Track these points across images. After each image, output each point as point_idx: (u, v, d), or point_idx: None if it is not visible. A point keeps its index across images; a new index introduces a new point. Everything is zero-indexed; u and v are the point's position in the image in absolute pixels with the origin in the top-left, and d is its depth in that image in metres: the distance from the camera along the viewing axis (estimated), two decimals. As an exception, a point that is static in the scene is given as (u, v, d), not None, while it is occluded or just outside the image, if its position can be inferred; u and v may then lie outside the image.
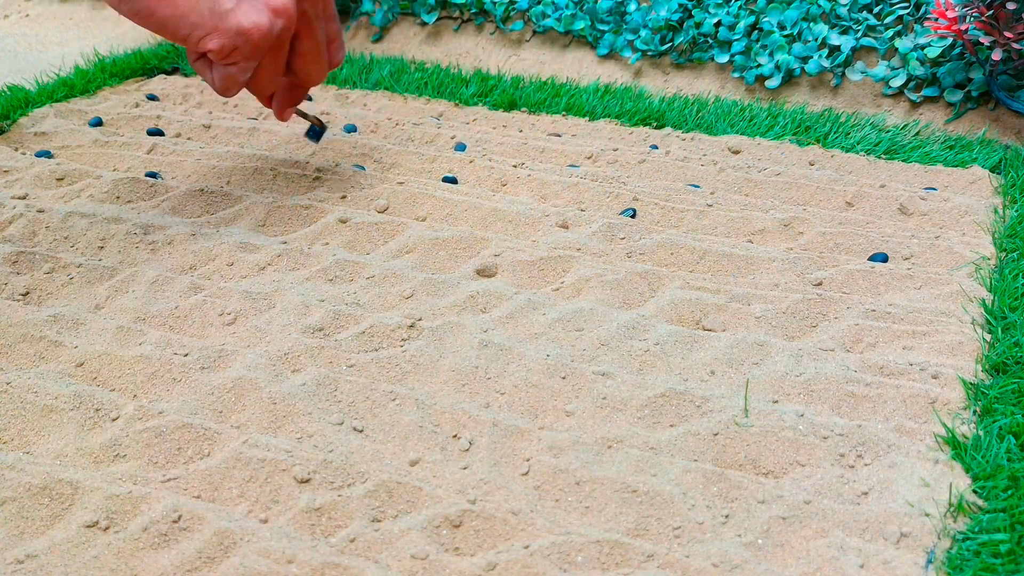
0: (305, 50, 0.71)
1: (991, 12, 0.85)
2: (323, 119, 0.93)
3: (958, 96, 0.93)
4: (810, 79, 1.00)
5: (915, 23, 0.97)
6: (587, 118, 0.96)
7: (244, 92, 1.04)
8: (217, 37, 0.65)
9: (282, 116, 0.77)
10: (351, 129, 0.93)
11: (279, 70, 0.71)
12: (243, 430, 0.55)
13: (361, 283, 0.68)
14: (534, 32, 1.13)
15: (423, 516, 0.48)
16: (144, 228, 0.75)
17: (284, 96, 0.76)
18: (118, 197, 0.80)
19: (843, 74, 0.99)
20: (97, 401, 0.56)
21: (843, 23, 1.00)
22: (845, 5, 1.00)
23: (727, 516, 0.49)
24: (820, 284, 0.67)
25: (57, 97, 1.00)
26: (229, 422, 0.56)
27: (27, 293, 0.68)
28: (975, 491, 0.49)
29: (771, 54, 1.01)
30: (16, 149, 0.90)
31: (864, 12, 0.99)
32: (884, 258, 0.69)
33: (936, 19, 0.89)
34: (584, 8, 1.10)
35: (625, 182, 0.81)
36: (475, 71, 1.07)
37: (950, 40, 0.92)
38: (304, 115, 0.81)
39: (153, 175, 0.82)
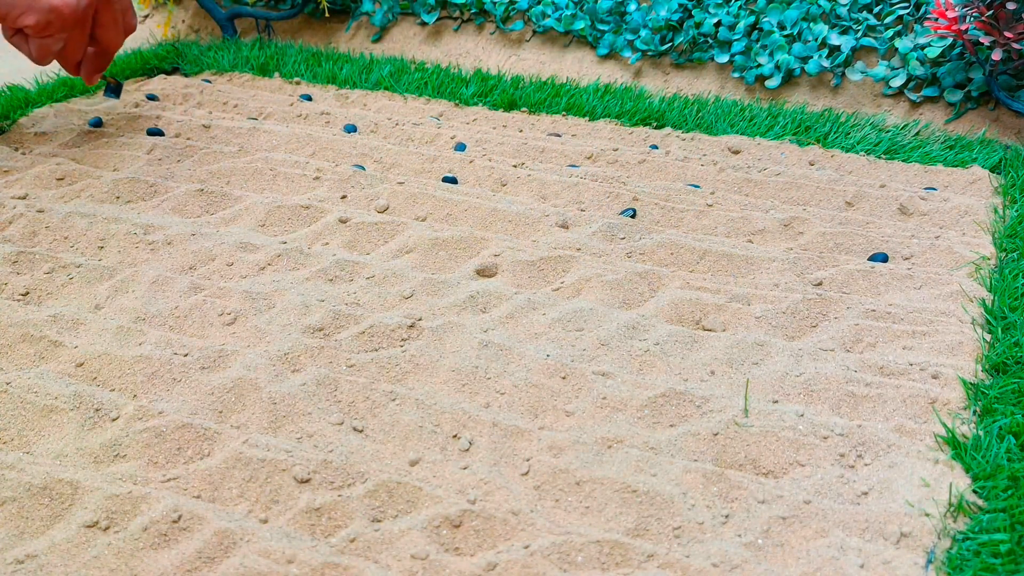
0: (105, 21, 0.83)
1: (991, 12, 0.85)
2: (325, 120, 0.93)
3: (958, 96, 0.93)
4: (810, 79, 1.00)
5: (915, 23, 0.97)
6: (587, 118, 0.96)
7: (253, 100, 1.04)
8: (33, 14, 0.77)
9: (90, 81, 0.87)
10: (351, 129, 0.93)
11: (85, 40, 0.83)
12: (243, 430, 0.55)
13: (361, 283, 0.68)
14: (534, 32, 1.13)
15: (423, 516, 0.48)
16: (144, 228, 0.75)
17: (90, 64, 0.86)
18: (118, 197, 0.80)
19: (843, 74, 0.99)
20: (97, 401, 0.56)
21: (843, 23, 1.00)
22: (845, 5, 1.00)
23: (727, 516, 0.49)
24: (820, 284, 0.67)
25: (57, 97, 1.00)
26: (229, 422, 0.56)
27: (27, 293, 0.68)
28: (975, 491, 0.49)
29: (771, 54, 1.01)
30: (16, 149, 0.90)
31: (864, 12, 0.99)
32: (884, 258, 0.69)
33: (936, 19, 0.89)
34: (584, 8, 1.10)
35: (625, 182, 0.81)
36: (475, 71, 1.07)
37: (950, 40, 0.92)
38: (104, 77, 0.96)
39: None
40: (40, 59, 0.81)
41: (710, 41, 1.04)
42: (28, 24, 0.77)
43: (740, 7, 1.03)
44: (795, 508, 0.48)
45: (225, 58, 1.11)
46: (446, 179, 0.82)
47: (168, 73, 1.12)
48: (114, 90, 0.96)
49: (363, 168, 0.84)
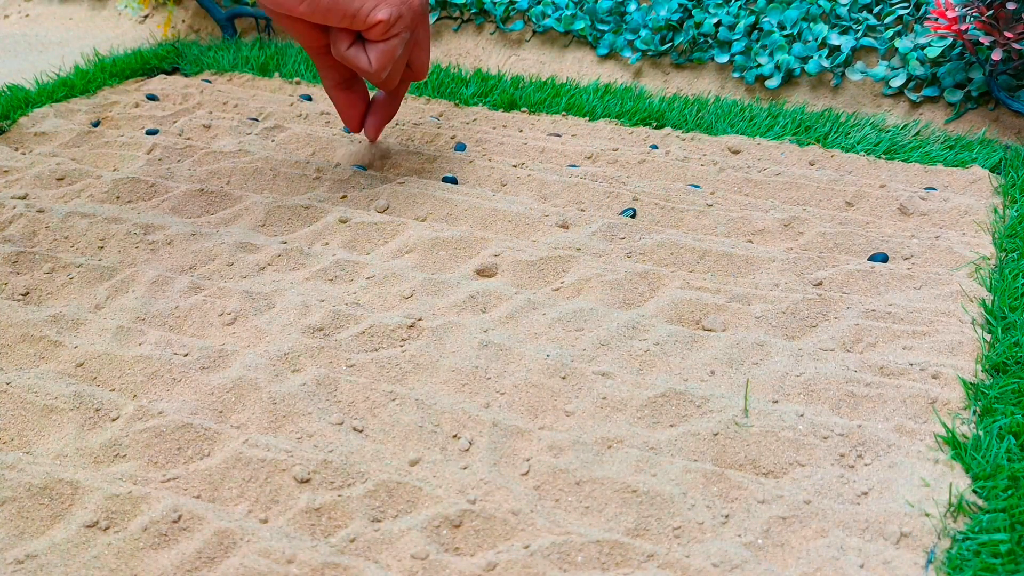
0: (421, 38, 0.74)
1: (991, 12, 0.85)
2: (325, 120, 0.93)
3: (958, 96, 0.93)
4: (810, 79, 1.00)
5: (915, 23, 0.97)
6: (587, 118, 0.96)
7: (252, 97, 1.04)
8: (385, 6, 0.67)
9: (375, 134, 0.79)
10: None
11: (410, 51, 0.73)
12: (243, 430, 0.55)
13: (361, 283, 0.68)
14: (534, 32, 1.13)
15: (423, 516, 0.48)
16: (144, 228, 0.75)
17: (382, 110, 0.78)
18: (118, 197, 0.80)
19: (843, 74, 0.99)
20: (97, 401, 0.56)
21: (843, 23, 1.00)
22: (845, 5, 1.00)
23: (727, 516, 0.49)
24: (820, 284, 0.67)
25: (57, 97, 1.00)
26: (229, 422, 0.56)
27: (27, 293, 0.68)
28: (975, 491, 0.49)
29: (771, 54, 1.01)
30: (16, 149, 0.90)
31: (864, 12, 0.99)
32: (884, 258, 0.69)
33: (936, 19, 0.89)
34: (584, 8, 1.10)
35: (625, 182, 0.81)
36: (475, 71, 1.07)
37: (950, 40, 0.92)
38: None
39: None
40: (380, 68, 0.70)
41: (710, 41, 1.04)
42: (380, 19, 0.67)
43: (740, 7, 1.03)
44: (795, 508, 0.48)
45: (225, 58, 1.11)
46: (446, 179, 0.82)
47: (168, 73, 1.12)
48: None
49: (363, 168, 0.84)
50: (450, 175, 0.83)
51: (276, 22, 0.69)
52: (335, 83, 0.76)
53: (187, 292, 0.67)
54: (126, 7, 1.33)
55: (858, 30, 0.99)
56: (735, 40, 1.02)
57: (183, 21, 1.28)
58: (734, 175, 0.83)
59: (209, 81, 1.08)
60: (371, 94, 0.79)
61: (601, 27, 1.09)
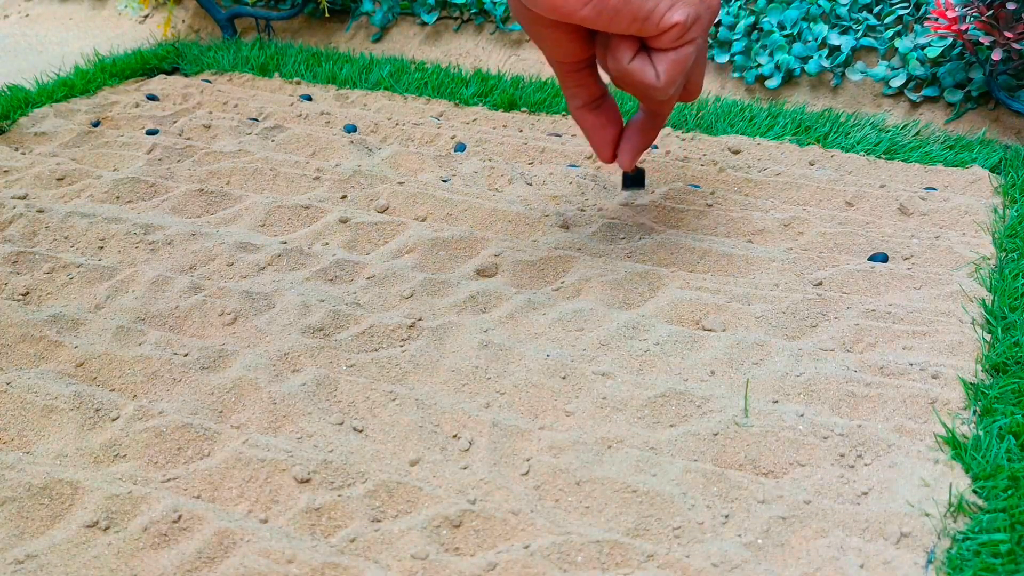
0: (703, 48, 0.62)
1: (991, 12, 0.85)
2: (325, 120, 0.93)
3: (958, 96, 0.93)
4: (810, 79, 1.00)
5: (915, 23, 0.97)
6: (587, 118, 0.96)
7: (254, 96, 1.04)
8: (683, 6, 0.55)
9: (631, 163, 0.66)
10: (351, 129, 0.93)
11: (693, 65, 0.62)
12: (243, 430, 0.55)
13: (361, 283, 0.68)
14: (534, 32, 1.13)
15: (423, 516, 0.48)
16: (144, 228, 0.75)
17: (641, 135, 0.66)
18: (118, 197, 0.80)
19: (843, 74, 0.99)
20: (97, 401, 0.56)
21: (843, 23, 1.00)
22: (845, 5, 1.00)
23: (727, 516, 0.49)
24: (820, 284, 0.67)
25: (57, 97, 1.00)
26: (229, 422, 0.56)
27: (27, 293, 0.68)
28: (975, 491, 0.49)
29: (771, 54, 1.01)
30: (16, 149, 0.90)
31: (864, 12, 0.99)
32: (884, 258, 0.69)
33: (936, 19, 0.89)
34: (584, 8, 1.10)
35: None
36: (475, 71, 1.07)
37: (950, 40, 0.92)
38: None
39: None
40: (669, 82, 0.58)
41: (710, 41, 1.04)
42: (676, 21, 0.55)
43: (740, 7, 1.03)
44: (795, 508, 0.48)
45: (225, 58, 1.11)
46: (446, 179, 0.82)
47: (168, 73, 1.12)
48: (638, 180, 0.71)
49: (363, 167, 0.84)
50: (450, 175, 0.83)
51: (527, 30, 0.59)
52: (584, 103, 0.64)
53: (187, 292, 0.67)
54: (126, 7, 1.33)
55: (858, 30, 0.99)
56: (735, 40, 1.02)
57: (183, 21, 1.28)
58: (734, 175, 0.83)
59: (209, 81, 1.08)
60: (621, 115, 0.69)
61: (601, 27, 1.09)
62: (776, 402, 0.56)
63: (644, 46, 0.58)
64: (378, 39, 1.19)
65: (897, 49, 0.97)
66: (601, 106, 0.65)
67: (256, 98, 1.02)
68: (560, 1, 0.54)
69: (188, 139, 0.92)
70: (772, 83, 1.00)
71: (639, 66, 0.58)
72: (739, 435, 0.53)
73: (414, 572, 0.46)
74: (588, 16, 0.55)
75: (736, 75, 1.03)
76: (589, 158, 0.87)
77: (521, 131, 0.93)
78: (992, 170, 0.83)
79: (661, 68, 0.57)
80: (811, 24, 1.00)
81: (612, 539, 0.47)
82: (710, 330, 0.63)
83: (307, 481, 0.51)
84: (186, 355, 0.60)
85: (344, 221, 0.75)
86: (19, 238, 0.74)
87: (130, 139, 0.91)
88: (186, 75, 1.11)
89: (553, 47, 0.60)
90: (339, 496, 0.50)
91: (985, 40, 0.86)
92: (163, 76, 1.10)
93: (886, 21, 0.98)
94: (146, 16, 1.34)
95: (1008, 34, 0.84)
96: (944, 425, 0.53)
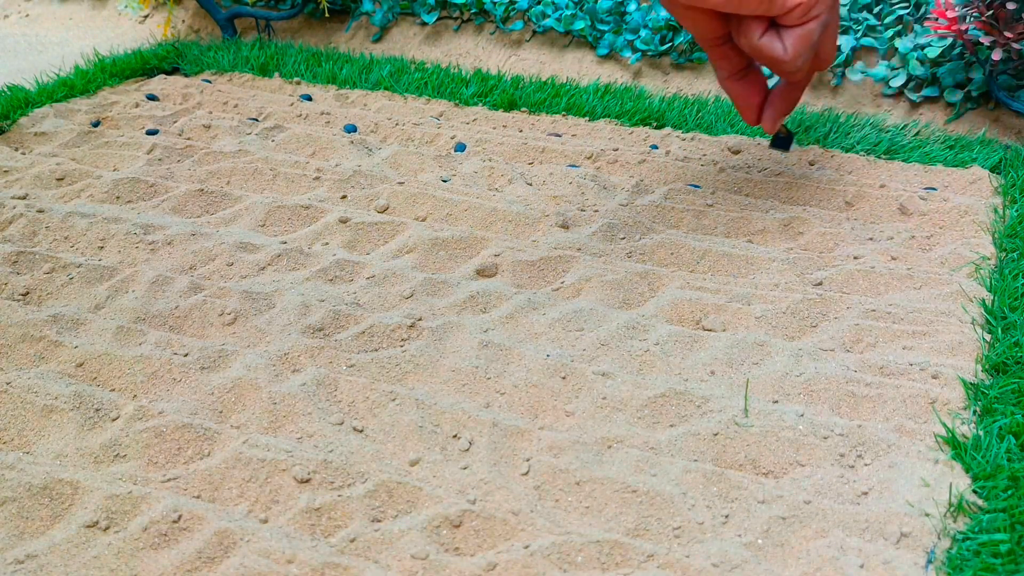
0: (832, 20, 0.65)
1: (991, 12, 0.85)
2: (325, 120, 0.93)
3: (958, 96, 0.93)
4: (810, 79, 1.00)
5: (915, 23, 0.97)
6: (587, 118, 0.96)
7: (256, 97, 1.04)
8: None
9: (774, 126, 0.72)
10: (351, 129, 0.93)
11: (823, 36, 0.66)
12: (243, 430, 0.55)
13: (361, 283, 0.68)
14: (534, 32, 1.13)
15: (423, 516, 0.48)
16: (144, 228, 0.75)
17: (783, 100, 0.71)
18: (118, 197, 0.80)
19: (843, 74, 0.99)
20: (97, 401, 0.56)
21: (843, 23, 1.00)
22: (845, 5, 1.00)
23: (727, 516, 0.49)
24: (820, 284, 0.67)
25: (57, 97, 1.00)
26: (229, 422, 0.56)
27: (27, 293, 0.68)
28: (975, 491, 0.49)
29: (771, 54, 1.01)
30: (16, 149, 0.90)
31: (864, 12, 0.99)
32: (786, 143, 0.68)
33: (936, 19, 0.89)
34: (584, 8, 1.10)
35: (625, 182, 0.81)
36: (475, 71, 1.07)
37: (950, 40, 0.92)
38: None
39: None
40: (795, 55, 0.63)
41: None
42: (798, 2, 0.60)
43: (740, 7, 1.03)
44: (795, 508, 0.48)
45: (225, 58, 1.11)
46: (446, 179, 0.82)
47: (168, 73, 1.12)
48: (784, 141, 0.78)
49: (363, 167, 0.84)
50: (450, 175, 0.83)
51: (671, 12, 0.64)
52: (730, 74, 0.70)
53: (187, 292, 0.67)
54: (126, 7, 1.33)
55: (858, 30, 0.99)
56: (735, 40, 1.02)
57: (183, 21, 1.28)
58: (734, 175, 0.83)
59: (209, 81, 1.08)
60: (768, 82, 0.73)
61: (601, 27, 1.09)
62: (776, 402, 0.56)
63: (773, 23, 0.63)
64: (378, 39, 1.19)
65: (897, 49, 0.97)
66: (746, 76, 0.70)
67: (256, 98, 1.02)
68: None
69: (188, 139, 0.92)
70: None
71: (768, 42, 0.63)
72: (739, 435, 0.53)
73: (414, 572, 0.46)
74: (720, 2, 0.61)
75: (736, 75, 1.03)
76: (589, 158, 0.87)
77: (521, 131, 0.93)
78: (992, 170, 0.83)
79: (788, 43, 0.62)
80: (811, 24, 1.00)
81: (612, 539, 0.47)
82: (710, 330, 0.63)
83: (307, 481, 0.51)
84: (186, 355, 0.60)
85: (344, 221, 0.75)
86: (19, 238, 0.74)
87: (130, 139, 0.91)
88: (186, 75, 1.11)
89: (692, 26, 0.65)
90: (339, 496, 0.50)
91: (985, 40, 0.86)
92: (163, 76, 1.10)
93: (886, 21, 0.98)
94: (146, 16, 1.34)
95: (1008, 34, 0.84)
96: (944, 425, 0.53)
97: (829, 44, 0.67)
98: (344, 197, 0.80)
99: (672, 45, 1.06)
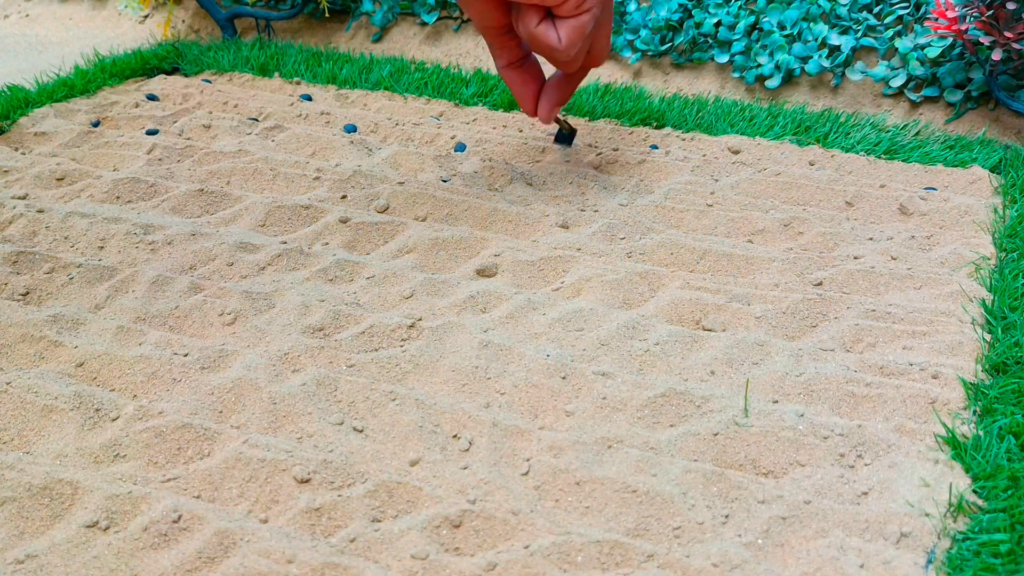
0: (605, 20, 0.72)
1: (991, 12, 0.85)
2: (325, 120, 0.93)
3: (958, 96, 0.93)
4: (810, 79, 1.00)
5: (915, 23, 0.97)
6: (587, 118, 0.96)
7: (259, 97, 1.04)
8: None
9: (550, 116, 0.77)
10: (351, 129, 0.93)
11: (591, 36, 0.71)
12: (243, 430, 0.55)
13: (361, 283, 0.68)
14: (534, 32, 1.13)
15: (423, 516, 0.48)
16: (144, 228, 0.75)
17: (557, 91, 0.76)
18: (118, 197, 0.80)
19: (843, 74, 0.99)
20: (97, 401, 0.56)
21: (843, 23, 1.00)
22: (845, 5, 1.00)
23: (727, 516, 0.49)
24: (820, 284, 0.67)
25: (57, 97, 1.00)
26: (229, 422, 0.56)
27: (27, 293, 0.68)
28: (975, 491, 0.49)
29: (771, 54, 1.01)
30: (16, 149, 0.90)
31: (864, 12, 0.99)
32: (568, 139, 0.71)
33: (936, 19, 0.89)
34: (584, 8, 1.10)
35: (625, 182, 0.81)
36: (475, 71, 1.07)
37: (950, 40, 0.92)
38: (557, 119, 0.81)
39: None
40: (570, 44, 0.68)
41: (710, 41, 1.04)
42: None
43: (740, 7, 1.03)
44: (795, 508, 0.48)
45: (225, 58, 1.11)
46: (446, 179, 0.82)
47: (168, 73, 1.12)
48: (567, 137, 0.86)
49: (363, 167, 0.84)
50: (449, 175, 0.83)
51: (459, 3, 0.70)
52: (508, 62, 0.75)
53: (187, 292, 0.67)
54: (126, 7, 1.33)
55: (858, 30, 0.99)
56: (735, 40, 1.02)
57: (183, 21, 1.28)
58: (734, 175, 0.83)
59: (209, 81, 1.08)
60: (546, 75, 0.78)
61: (601, 27, 1.09)
62: (776, 402, 0.56)
63: (550, 14, 0.68)
64: (378, 39, 1.19)
65: (897, 49, 0.97)
66: (523, 66, 0.76)
67: (256, 98, 1.02)
68: None
69: (188, 139, 0.92)
70: (772, 83, 1.00)
71: (544, 30, 0.68)
72: (739, 435, 0.53)
73: (414, 572, 0.46)
74: None
75: (736, 75, 1.03)
76: (589, 158, 0.87)
77: (521, 131, 0.94)
78: (992, 170, 0.83)
79: (563, 33, 0.68)
80: (811, 24, 1.00)
81: (612, 539, 0.47)
82: (710, 330, 0.63)
83: (307, 481, 0.51)
84: (186, 355, 0.60)
85: (344, 221, 0.75)
86: (19, 238, 0.74)
87: (130, 139, 0.91)
88: (186, 75, 1.11)
89: (479, 16, 0.71)
90: (339, 496, 0.50)
91: (985, 40, 0.86)
92: (163, 76, 1.10)
93: (886, 21, 0.98)
94: (146, 16, 1.34)
95: (1008, 34, 0.84)
96: (944, 425, 0.53)
97: (603, 41, 0.73)
98: (344, 197, 0.80)
99: (672, 45, 1.06)
